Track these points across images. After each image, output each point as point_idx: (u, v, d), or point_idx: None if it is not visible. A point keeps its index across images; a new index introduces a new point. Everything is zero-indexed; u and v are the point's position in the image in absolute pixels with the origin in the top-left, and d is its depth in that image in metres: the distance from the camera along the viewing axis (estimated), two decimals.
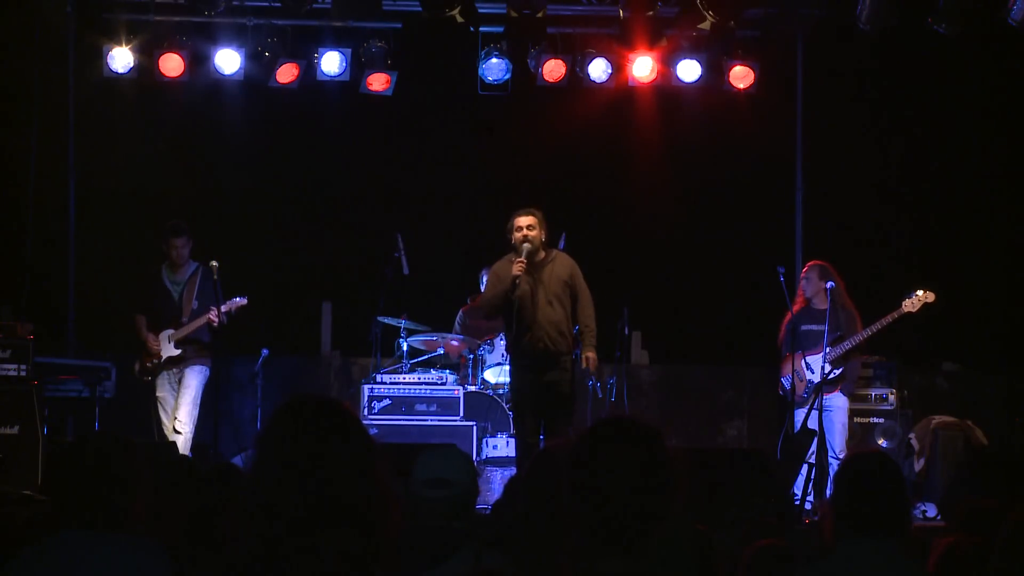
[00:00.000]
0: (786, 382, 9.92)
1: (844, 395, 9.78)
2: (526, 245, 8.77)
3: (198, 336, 9.96)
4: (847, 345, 9.61)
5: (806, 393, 9.74)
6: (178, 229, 10.03)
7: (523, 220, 8.85)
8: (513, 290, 8.71)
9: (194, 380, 9.95)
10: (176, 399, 9.93)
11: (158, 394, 9.96)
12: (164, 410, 9.94)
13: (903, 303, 9.58)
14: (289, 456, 2.40)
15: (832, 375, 9.59)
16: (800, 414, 9.71)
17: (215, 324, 9.74)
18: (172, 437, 9.70)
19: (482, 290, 11.17)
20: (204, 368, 10.00)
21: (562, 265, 8.92)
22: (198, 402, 9.96)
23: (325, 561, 2.36)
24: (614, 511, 2.66)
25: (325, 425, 2.43)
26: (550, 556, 2.78)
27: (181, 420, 9.86)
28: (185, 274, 10.06)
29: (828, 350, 9.62)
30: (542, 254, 8.91)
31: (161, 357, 9.92)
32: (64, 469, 3.65)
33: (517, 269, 8.69)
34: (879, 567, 3.68)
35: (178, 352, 9.92)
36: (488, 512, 4.68)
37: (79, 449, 3.69)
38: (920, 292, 9.59)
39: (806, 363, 9.78)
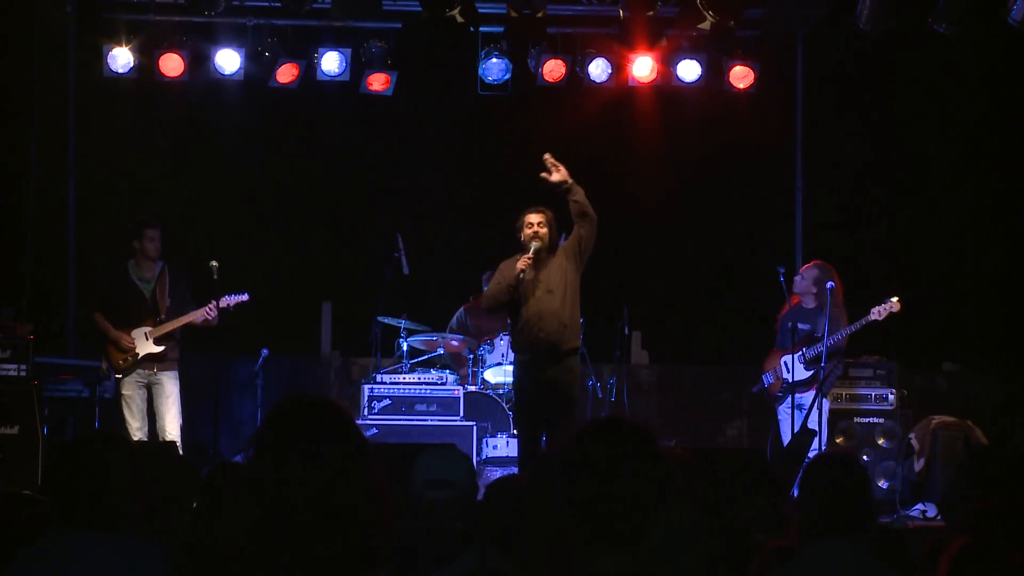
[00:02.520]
0: (766, 379, 9.95)
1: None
2: (535, 243, 8.71)
3: (174, 333, 9.75)
4: (820, 347, 9.56)
5: (779, 392, 9.77)
6: (151, 221, 9.77)
7: (534, 217, 8.76)
8: (516, 286, 8.66)
9: (175, 387, 9.69)
10: (159, 409, 9.64)
11: (124, 392, 9.62)
12: (129, 409, 9.61)
13: (872, 310, 9.50)
14: (282, 457, 2.40)
15: (807, 376, 9.60)
16: (782, 413, 9.76)
17: (211, 321, 9.64)
18: (136, 436, 9.46)
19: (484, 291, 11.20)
20: (177, 371, 9.77)
21: (561, 257, 8.83)
22: (180, 408, 9.79)
23: (321, 561, 2.37)
24: (607, 510, 2.66)
25: (317, 425, 2.44)
26: (548, 556, 2.79)
27: (172, 432, 9.60)
28: (154, 271, 9.78)
29: (804, 350, 9.63)
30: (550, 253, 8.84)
31: (137, 354, 9.64)
32: (61, 469, 3.64)
33: (522, 264, 8.62)
34: (845, 568, 3.68)
35: (159, 349, 9.64)
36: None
37: (76, 448, 3.68)
38: (894, 299, 9.49)
39: (784, 362, 9.81)
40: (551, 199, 9.04)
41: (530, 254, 8.65)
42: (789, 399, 9.68)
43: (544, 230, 8.73)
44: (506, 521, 3.96)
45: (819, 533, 3.73)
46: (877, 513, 3.98)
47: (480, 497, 4.37)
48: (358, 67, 11.31)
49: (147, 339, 9.65)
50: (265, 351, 10.90)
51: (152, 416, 9.71)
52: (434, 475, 4.20)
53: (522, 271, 8.60)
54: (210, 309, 9.62)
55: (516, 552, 3.94)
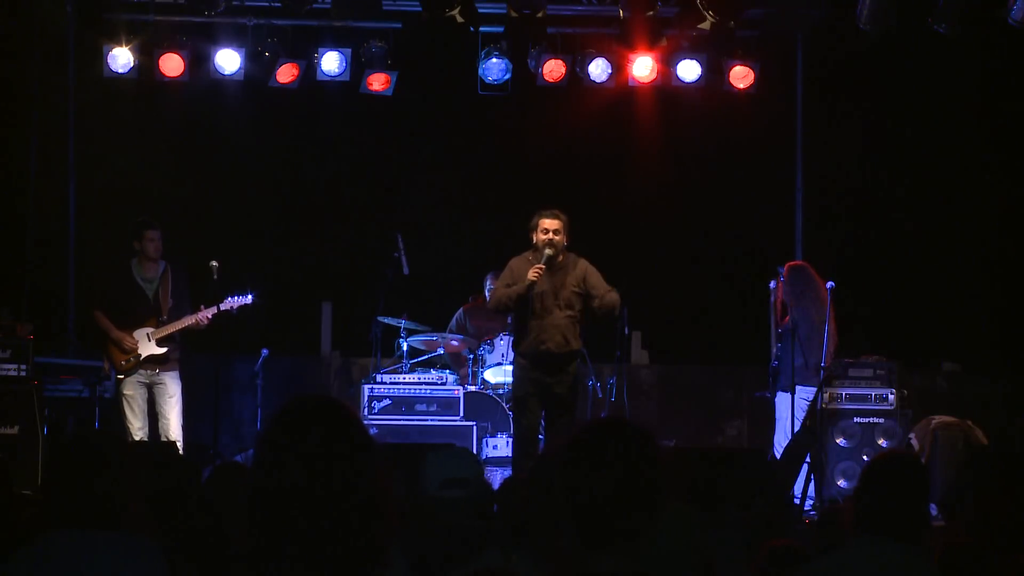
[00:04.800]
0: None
1: (782, 392, 9.87)
2: (548, 251, 8.73)
3: (175, 335, 9.71)
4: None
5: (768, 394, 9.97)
6: (151, 222, 9.74)
7: (551, 223, 8.78)
8: (527, 295, 8.70)
9: (177, 388, 9.68)
10: (161, 410, 9.62)
11: (126, 392, 9.59)
12: (131, 408, 9.58)
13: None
14: (289, 457, 2.40)
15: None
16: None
17: (202, 325, 9.63)
18: (137, 436, 9.46)
19: (485, 293, 11.18)
20: (178, 372, 9.74)
21: (577, 271, 8.89)
22: (182, 408, 9.75)
23: (325, 561, 2.37)
24: (605, 510, 2.67)
25: (326, 425, 2.44)
26: (550, 556, 2.79)
27: (174, 433, 9.58)
28: (157, 272, 9.76)
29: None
30: (560, 257, 8.89)
31: (139, 355, 9.61)
32: (59, 468, 3.64)
33: (534, 275, 8.64)
34: (894, 568, 3.67)
35: (162, 351, 9.62)
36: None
37: (73, 448, 3.68)
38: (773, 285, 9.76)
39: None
40: (543, 200, 9.05)
41: (543, 263, 8.67)
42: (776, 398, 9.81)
43: (559, 237, 8.76)
44: (524, 520, 3.98)
45: (871, 530, 3.72)
46: (930, 518, 3.95)
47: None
48: (358, 67, 11.30)
49: (149, 340, 9.64)
50: (265, 351, 10.89)
51: (154, 416, 9.69)
52: (449, 475, 4.19)
53: (534, 284, 8.63)
54: (204, 316, 9.59)
55: (535, 551, 3.94)
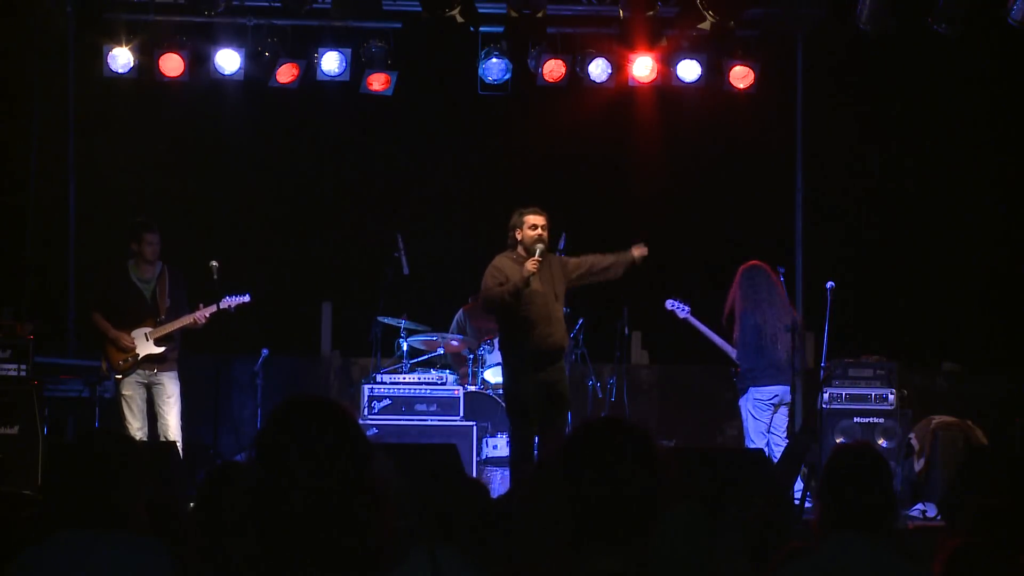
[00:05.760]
0: None
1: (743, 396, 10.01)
2: (539, 245, 8.74)
3: (174, 334, 9.74)
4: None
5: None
6: (150, 224, 9.77)
7: (539, 219, 8.80)
8: (526, 288, 8.70)
9: (175, 388, 9.68)
10: (160, 410, 9.62)
11: (124, 392, 9.60)
12: (130, 409, 9.59)
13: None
14: (284, 457, 2.41)
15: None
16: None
17: (199, 324, 9.65)
18: (136, 437, 9.45)
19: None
20: (176, 372, 9.75)
21: (558, 267, 8.92)
22: (180, 408, 9.75)
23: (323, 563, 2.37)
24: (605, 509, 2.67)
25: (320, 426, 2.44)
26: (542, 555, 2.78)
27: (173, 433, 9.57)
28: (154, 272, 9.77)
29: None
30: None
31: (137, 355, 9.62)
32: (64, 468, 3.64)
33: (532, 266, 8.64)
34: (865, 560, 3.67)
35: (160, 350, 9.63)
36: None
37: (79, 448, 3.68)
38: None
39: None
40: (543, 200, 9.05)
41: (538, 257, 8.67)
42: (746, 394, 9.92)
43: (546, 233, 8.78)
44: (452, 515, 3.95)
45: (839, 525, 3.72)
46: (897, 508, 3.93)
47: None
48: (358, 67, 11.30)
49: (147, 340, 9.64)
50: (265, 351, 10.90)
51: (153, 416, 9.70)
52: None
53: (532, 275, 8.64)
54: (201, 316, 9.61)
55: (466, 544, 3.91)
